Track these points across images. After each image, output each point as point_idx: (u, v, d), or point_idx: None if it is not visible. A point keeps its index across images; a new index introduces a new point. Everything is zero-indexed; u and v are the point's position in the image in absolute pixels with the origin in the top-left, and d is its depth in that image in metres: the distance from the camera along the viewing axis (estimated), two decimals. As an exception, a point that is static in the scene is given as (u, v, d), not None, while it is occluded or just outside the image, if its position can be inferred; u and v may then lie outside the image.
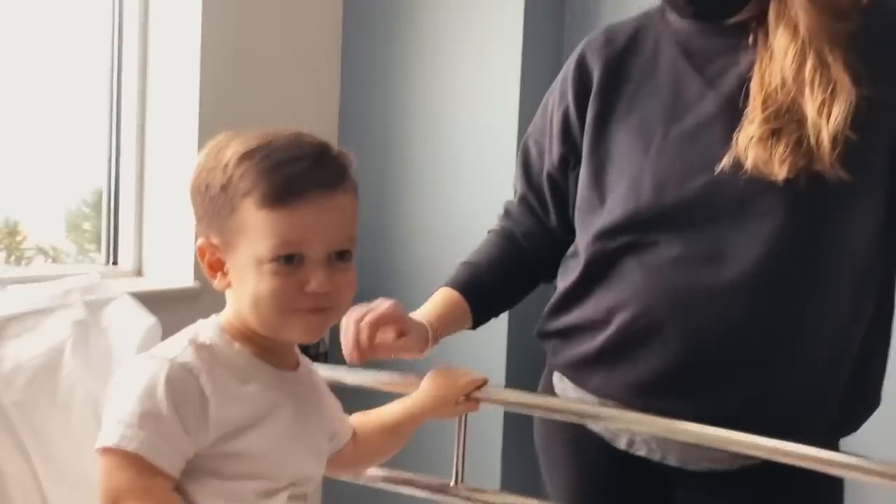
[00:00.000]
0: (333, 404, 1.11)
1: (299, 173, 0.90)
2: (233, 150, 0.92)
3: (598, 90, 1.21)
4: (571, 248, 1.27)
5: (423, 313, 1.24)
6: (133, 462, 0.86)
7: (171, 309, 1.34)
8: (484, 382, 1.23)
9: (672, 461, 1.18)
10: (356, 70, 2.51)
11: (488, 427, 2.26)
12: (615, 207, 1.16)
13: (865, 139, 1.05)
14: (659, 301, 1.11)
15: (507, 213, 1.36)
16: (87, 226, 2.26)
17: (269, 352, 0.97)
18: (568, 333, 1.23)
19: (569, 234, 1.29)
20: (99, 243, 2.19)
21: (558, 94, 1.27)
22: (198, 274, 2.04)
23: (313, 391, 1.05)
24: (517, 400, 1.28)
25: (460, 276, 1.29)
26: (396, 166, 2.43)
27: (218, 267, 0.95)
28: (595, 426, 1.23)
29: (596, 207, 1.19)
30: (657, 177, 1.12)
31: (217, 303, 1.00)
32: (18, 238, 2.12)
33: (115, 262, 2.19)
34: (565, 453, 1.29)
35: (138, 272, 2.19)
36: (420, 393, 1.21)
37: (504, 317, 2.25)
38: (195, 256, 0.98)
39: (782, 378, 1.10)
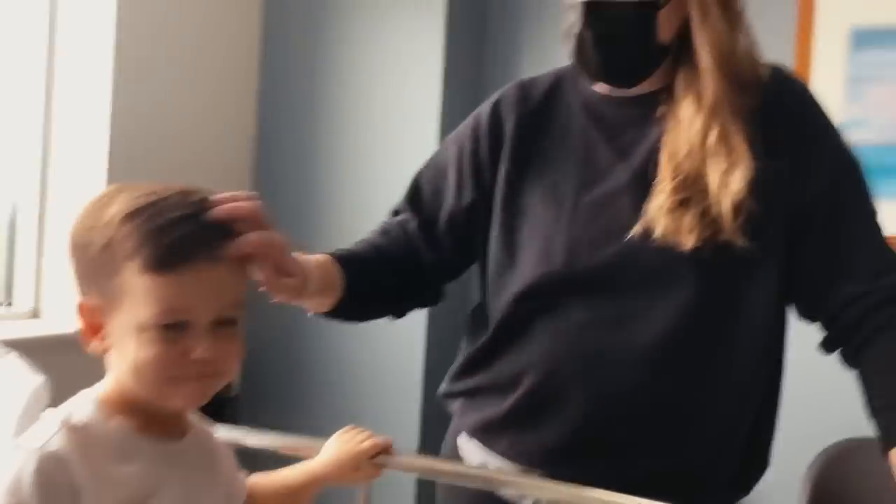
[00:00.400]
0: (230, 464, 1.06)
1: (184, 237, 0.86)
2: (116, 209, 0.87)
3: (511, 147, 1.21)
4: (478, 308, 1.26)
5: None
6: None
7: (70, 354, 1.26)
8: (387, 446, 1.20)
9: None
10: (274, 92, 2.51)
11: (399, 492, 2.23)
12: (527, 271, 1.16)
13: (764, 210, 1.07)
14: (567, 366, 1.12)
15: (385, 231, 1.28)
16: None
17: (153, 422, 0.92)
18: (475, 395, 1.22)
19: (439, 278, 1.28)
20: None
21: (470, 142, 1.24)
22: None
23: (205, 456, 0.99)
24: (423, 466, 1.26)
25: (345, 251, 1.22)
26: (314, 194, 2.44)
27: (96, 330, 0.90)
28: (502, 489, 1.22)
29: (507, 268, 1.19)
30: (569, 243, 1.13)
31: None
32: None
33: (10, 304, 2.09)
34: None
35: (35, 314, 2.09)
36: (322, 455, 1.17)
37: (418, 379, 2.30)
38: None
39: (685, 443, 1.12)
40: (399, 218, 1.29)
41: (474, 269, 1.30)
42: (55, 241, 2.08)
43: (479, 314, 1.26)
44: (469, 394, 1.23)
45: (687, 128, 1.09)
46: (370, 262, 1.24)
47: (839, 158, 1.16)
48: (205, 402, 0.92)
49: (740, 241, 1.06)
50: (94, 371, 0.94)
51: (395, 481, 2.15)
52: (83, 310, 0.90)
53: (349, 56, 2.40)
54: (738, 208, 1.06)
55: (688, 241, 1.06)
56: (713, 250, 1.07)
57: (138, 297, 0.86)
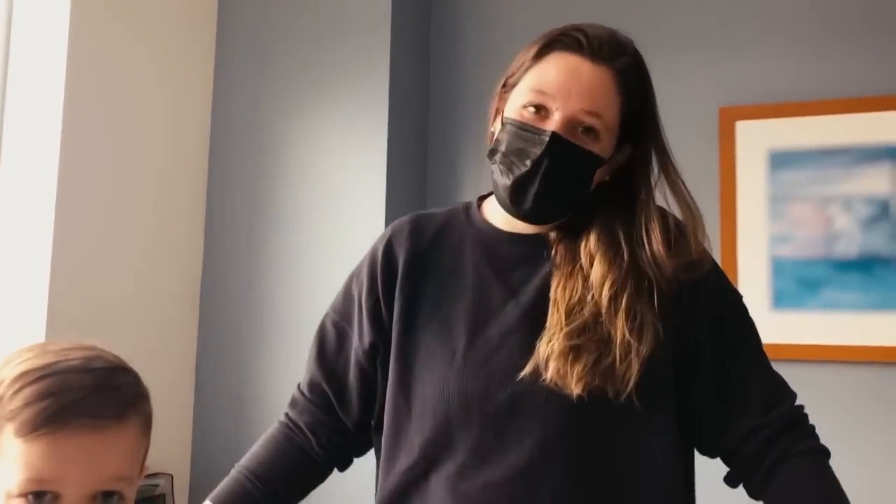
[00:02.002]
0: None
1: (65, 406, 0.82)
2: (13, 369, 0.84)
3: (403, 281, 1.20)
4: (380, 457, 1.22)
5: None
6: None
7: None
8: None
9: None
10: (223, 159, 2.53)
11: None
12: (422, 428, 1.13)
13: (659, 368, 1.08)
14: None
15: (294, 403, 1.29)
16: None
17: None
18: None
19: (361, 425, 1.26)
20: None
21: (367, 281, 1.23)
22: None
23: None
24: None
25: (225, 491, 1.23)
26: (262, 254, 2.43)
27: None
28: None
29: (403, 423, 1.16)
30: (462, 391, 1.11)
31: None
32: None
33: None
34: None
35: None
36: None
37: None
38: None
39: None
40: (302, 401, 1.28)
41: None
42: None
43: (381, 465, 1.20)
44: None
45: (594, 279, 1.09)
46: (265, 495, 1.22)
47: (719, 296, 1.17)
48: None
49: (632, 399, 1.05)
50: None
51: None
52: None
53: (295, 171, 2.45)
54: (640, 368, 1.05)
55: (576, 389, 1.05)
56: (605, 401, 1.06)
57: (10, 461, 0.82)
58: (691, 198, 1.15)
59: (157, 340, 2.38)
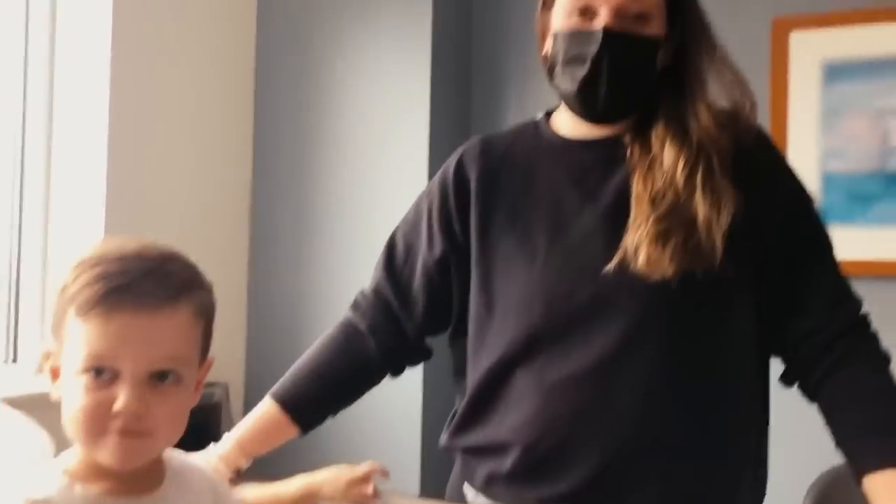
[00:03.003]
0: (219, 497, 1.04)
1: (120, 286, 0.86)
2: (75, 259, 0.90)
3: (477, 200, 1.23)
4: (460, 366, 1.28)
5: (234, 436, 1.26)
6: None
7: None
8: (384, 471, 1.23)
9: None
10: (269, 110, 2.56)
11: None
12: (507, 327, 1.17)
13: (741, 246, 1.10)
14: (558, 420, 1.12)
15: (356, 306, 1.35)
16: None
17: (121, 481, 0.90)
18: (473, 453, 1.23)
19: (421, 335, 1.31)
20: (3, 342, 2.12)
21: (438, 197, 1.28)
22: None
23: (185, 499, 0.97)
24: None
25: (282, 388, 1.29)
26: (311, 212, 2.47)
27: (56, 374, 0.90)
28: None
29: (486, 324, 1.20)
30: (545, 294, 1.14)
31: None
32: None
33: (14, 360, 2.11)
34: None
35: (39, 370, 2.11)
36: (320, 472, 1.20)
37: (417, 423, 2.32)
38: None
39: (684, 478, 1.12)
40: (365, 304, 1.33)
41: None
42: (58, 298, 2.10)
43: (462, 369, 1.27)
44: (467, 451, 1.24)
45: (671, 164, 1.12)
46: (321, 393, 1.29)
47: (794, 195, 1.19)
48: (134, 464, 0.89)
49: (722, 273, 1.08)
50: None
51: None
52: (45, 357, 0.91)
53: (340, 100, 2.46)
54: (725, 241, 1.08)
55: (668, 271, 1.08)
56: (692, 283, 1.09)
57: (73, 341, 0.86)
58: (740, 74, 1.17)
59: (208, 251, 2.43)
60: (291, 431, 1.29)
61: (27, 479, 0.90)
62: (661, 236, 1.09)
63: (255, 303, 2.55)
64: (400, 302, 1.31)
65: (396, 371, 1.36)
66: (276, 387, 1.30)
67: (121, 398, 0.84)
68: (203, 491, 1.02)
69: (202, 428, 1.16)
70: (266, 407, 1.28)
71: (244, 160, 2.55)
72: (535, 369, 1.14)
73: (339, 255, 2.43)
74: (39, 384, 1.99)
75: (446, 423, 1.28)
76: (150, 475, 0.94)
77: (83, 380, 0.86)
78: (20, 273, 2.12)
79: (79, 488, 0.89)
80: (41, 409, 1.30)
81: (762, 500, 1.22)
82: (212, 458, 1.21)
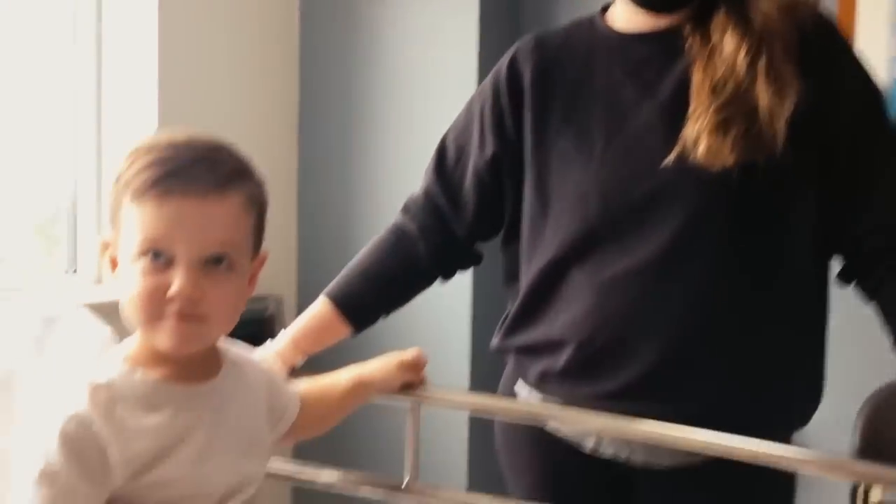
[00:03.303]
0: (274, 388, 1.08)
1: (172, 171, 0.88)
2: (133, 146, 0.92)
3: (532, 96, 1.21)
4: (512, 268, 1.27)
5: (289, 334, 1.29)
6: None
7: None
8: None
9: (638, 460, 1.19)
10: (315, 47, 2.52)
11: (454, 430, 2.28)
12: (561, 225, 1.16)
13: (805, 135, 1.08)
14: (613, 316, 1.13)
15: (406, 209, 1.35)
16: (50, 237, 2.24)
17: (179, 368, 0.94)
18: (527, 352, 1.24)
19: (472, 238, 1.31)
20: (64, 254, 2.17)
21: (490, 96, 1.26)
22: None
23: (240, 390, 1.01)
24: (472, 401, 1.29)
25: (335, 288, 1.31)
26: (359, 149, 2.47)
27: (115, 264, 0.93)
28: (561, 429, 1.24)
29: (541, 221, 1.19)
30: (602, 189, 1.13)
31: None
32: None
33: (74, 271, 2.17)
34: (530, 455, 1.30)
35: (98, 280, 2.17)
36: (369, 363, 1.22)
37: (466, 321, 2.33)
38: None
39: (742, 375, 1.13)
40: (415, 208, 1.32)
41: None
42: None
43: (513, 273, 1.27)
44: (520, 350, 1.25)
45: (732, 52, 1.09)
46: (373, 294, 1.30)
47: (863, 89, 1.16)
48: (192, 348, 0.91)
49: (782, 162, 1.06)
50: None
51: (449, 420, 2.20)
52: (103, 246, 0.94)
53: (387, 33, 2.40)
54: (788, 130, 1.06)
55: (729, 160, 1.06)
56: (754, 173, 1.07)
57: (129, 226, 0.89)
58: None
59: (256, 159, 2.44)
60: (344, 331, 1.31)
61: (90, 366, 0.93)
62: (721, 125, 1.07)
63: (305, 216, 2.57)
64: (450, 204, 1.30)
65: (447, 275, 1.36)
66: (329, 287, 1.32)
67: (176, 282, 0.87)
68: (259, 383, 1.05)
69: (256, 340, 1.19)
70: (320, 306, 1.30)
71: (290, 69, 2.52)
72: (591, 266, 1.14)
73: (388, 165, 2.41)
74: (99, 294, 2.06)
75: (498, 326, 1.29)
76: (207, 364, 0.98)
77: (140, 264, 0.88)
78: (77, 186, 2.15)
79: (139, 374, 0.92)
80: (100, 315, 1.33)
81: (816, 408, 1.22)
82: (267, 355, 1.24)
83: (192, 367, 0.95)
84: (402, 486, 1.28)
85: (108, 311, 1.30)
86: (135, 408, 0.90)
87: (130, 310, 0.89)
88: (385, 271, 1.32)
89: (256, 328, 2.28)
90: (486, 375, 2.25)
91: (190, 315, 0.88)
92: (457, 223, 1.31)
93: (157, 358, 0.92)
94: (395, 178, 2.37)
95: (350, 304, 1.30)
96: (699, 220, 1.09)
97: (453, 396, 1.29)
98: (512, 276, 1.29)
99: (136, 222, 0.88)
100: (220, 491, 0.95)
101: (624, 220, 1.12)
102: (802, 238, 1.14)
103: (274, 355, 1.27)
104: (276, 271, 2.49)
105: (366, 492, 1.30)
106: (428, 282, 1.36)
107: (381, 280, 1.31)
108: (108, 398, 0.89)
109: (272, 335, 1.33)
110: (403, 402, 1.26)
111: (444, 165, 1.31)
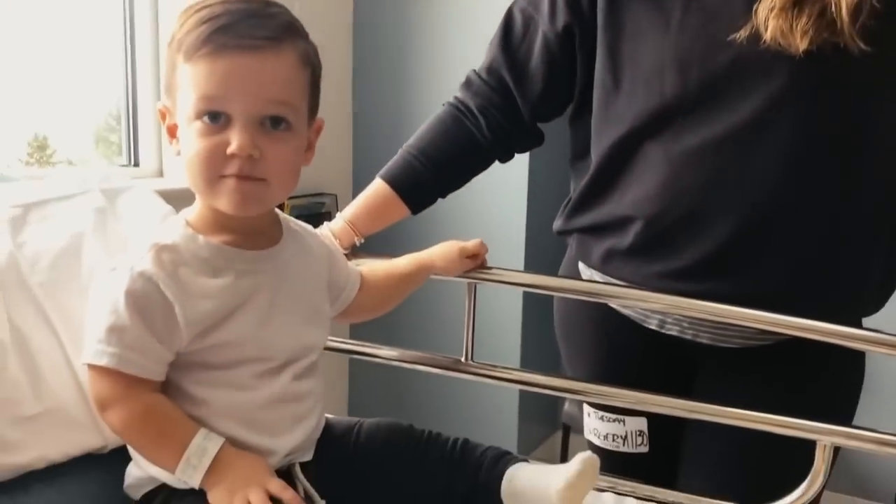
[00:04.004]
0: (335, 263, 1.08)
1: (224, 26, 0.86)
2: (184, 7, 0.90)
3: None
4: (580, 146, 1.23)
5: (346, 215, 1.27)
6: (107, 374, 0.88)
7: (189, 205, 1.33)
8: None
9: (705, 340, 1.18)
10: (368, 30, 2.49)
11: (509, 309, 2.30)
12: (635, 98, 1.12)
13: (888, 19, 1.01)
14: (687, 190, 1.09)
15: (468, 84, 1.30)
16: (113, 139, 2.27)
17: (240, 234, 0.94)
18: (592, 231, 1.21)
19: (535, 116, 1.26)
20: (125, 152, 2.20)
21: None
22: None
23: (301, 259, 1.01)
24: (533, 282, 1.28)
25: (392, 169, 1.28)
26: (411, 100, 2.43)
27: (174, 132, 0.92)
28: (624, 309, 1.23)
29: (613, 94, 1.15)
30: (678, 61, 1.08)
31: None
32: (48, 152, 2.13)
33: (136, 165, 2.20)
34: (593, 334, 1.29)
35: (159, 173, 2.20)
36: (429, 249, 1.22)
37: (522, 209, 2.31)
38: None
39: (819, 254, 1.09)
40: (477, 83, 1.27)
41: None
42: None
43: (581, 151, 1.23)
44: (584, 231, 1.22)
45: None
46: (430, 175, 1.26)
47: None
48: (253, 210, 0.91)
49: (859, 44, 1.00)
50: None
51: (504, 298, 2.20)
52: (161, 113, 0.93)
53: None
54: (858, 10, 0.99)
55: (801, 44, 1.01)
56: (832, 55, 1.01)
57: (185, 87, 0.87)
58: None
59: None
60: (402, 211, 1.30)
61: (155, 230, 0.94)
62: (792, 6, 1.01)
63: (359, 114, 2.55)
64: (516, 78, 1.25)
65: (506, 155, 1.33)
66: (385, 168, 1.30)
67: (234, 140, 0.86)
68: (320, 256, 1.05)
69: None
70: (376, 187, 1.29)
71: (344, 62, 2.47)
72: (666, 140, 1.09)
73: (443, 59, 2.38)
74: (160, 184, 2.09)
75: (561, 208, 1.27)
76: (269, 232, 0.98)
77: (197, 126, 0.87)
78: (136, 81, 2.16)
79: (201, 237, 0.92)
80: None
81: (889, 295, 1.18)
82: (327, 233, 1.24)
83: (254, 233, 0.95)
84: (462, 361, 1.29)
85: (171, 199, 1.31)
86: (198, 271, 0.91)
87: (190, 174, 0.89)
88: (443, 152, 1.28)
89: (313, 224, 2.30)
90: (539, 262, 2.24)
91: (250, 175, 0.88)
92: (522, 98, 1.26)
93: (218, 224, 0.93)
94: (449, 72, 2.34)
95: (406, 186, 1.28)
96: (784, 94, 1.04)
97: (511, 277, 1.28)
98: (578, 155, 1.26)
99: (191, 82, 0.86)
100: (282, 356, 0.96)
101: (702, 92, 1.07)
102: (891, 123, 1.07)
103: (331, 235, 1.27)
104: (333, 170, 2.50)
105: (424, 368, 1.31)
106: (486, 163, 1.33)
107: (437, 161, 1.28)
108: (172, 259, 0.90)
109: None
110: (461, 281, 1.26)
111: (510, 38, 1.25)
